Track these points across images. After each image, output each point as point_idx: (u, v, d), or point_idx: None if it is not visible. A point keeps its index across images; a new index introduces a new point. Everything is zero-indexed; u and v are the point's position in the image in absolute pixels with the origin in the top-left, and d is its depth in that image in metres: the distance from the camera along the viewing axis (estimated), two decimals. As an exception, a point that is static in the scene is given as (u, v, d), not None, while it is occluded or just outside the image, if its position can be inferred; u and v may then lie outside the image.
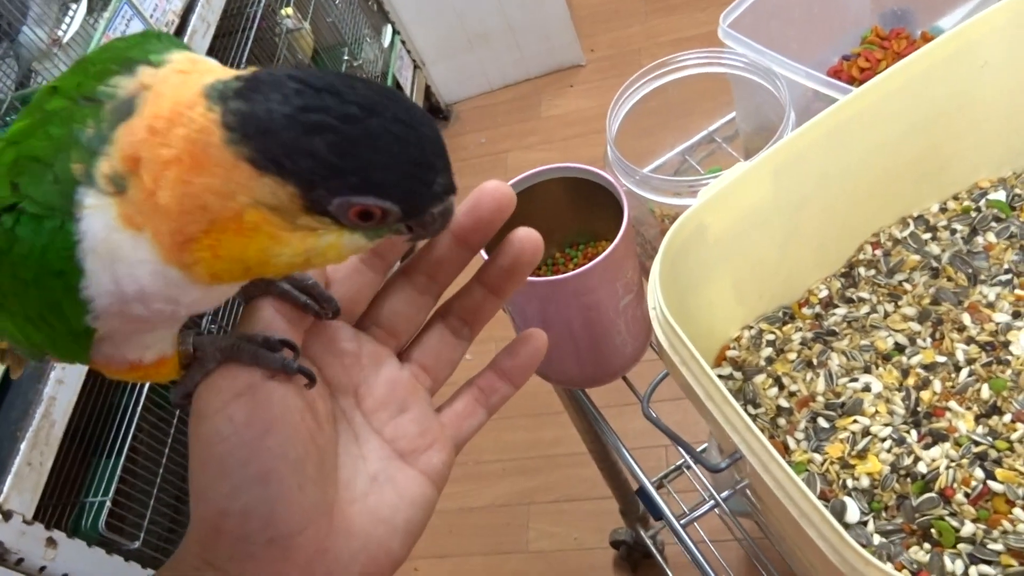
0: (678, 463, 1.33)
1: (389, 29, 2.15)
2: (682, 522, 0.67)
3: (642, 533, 1.34)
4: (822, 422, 0.57)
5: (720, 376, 0.61)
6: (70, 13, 1.16)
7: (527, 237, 0.38)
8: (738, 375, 0.61)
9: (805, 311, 0.63)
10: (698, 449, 1.26)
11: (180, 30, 1.32)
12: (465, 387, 0.41)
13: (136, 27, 1.20)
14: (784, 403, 0.59)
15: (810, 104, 0.72)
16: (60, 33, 1.12)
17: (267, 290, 0.36)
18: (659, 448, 1.63)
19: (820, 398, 0.58)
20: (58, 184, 0.29)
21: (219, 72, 0.31)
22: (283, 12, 1.67)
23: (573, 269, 0.78)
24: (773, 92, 0.67)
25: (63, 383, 1.00)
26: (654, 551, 1.31)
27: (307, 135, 0.28)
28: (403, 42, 2.21)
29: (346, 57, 1.91)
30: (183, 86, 0.29)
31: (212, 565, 0.33)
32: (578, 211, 0.74)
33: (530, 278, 0.64)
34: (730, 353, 0.62)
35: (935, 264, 0.62)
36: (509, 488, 1.73)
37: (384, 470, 0.37)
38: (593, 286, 0.65)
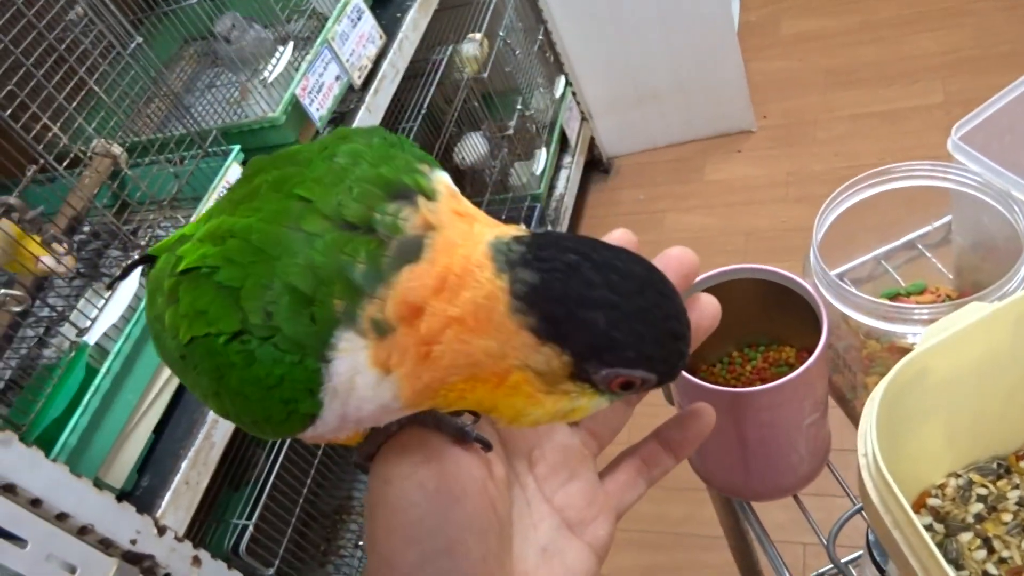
0: (822, 570, 1.23)
1: (562, 80, 2.17)
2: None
3: (774, 641, 1.25)
4: (1038, 600, 0.51)
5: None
6: (276, 54, 1.23)
7: (708, 301, 0.38)
8: (939, 527, 0.55)
9: (1023, 465, 0.56)
10: (850, 557, 1.17)
11: (371, 75, 1.37)
12: (627, 455, 0.41)
13: (333, 71, 1.26)
14: (993, 570, 0.52)
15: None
16: (266, 73, 1.18)
17: None
18: (796, 545, 1.53)
19: (1037, 571, 0.51)
20: (315, 324, 0.29)
21: (484, 217, 0.31)
22: (466, 60, 1.72)
23: (751, 372, 0.74)
24: (1004, 214, 0.60)
25: (226, 406, 1.04)
26: (786, 663, 1.21)
27: (590, 309, 0.29)
28: (574, 93, 2.22)
29: (519, 106, 1.94)
30: (469, 239, 0.30)
31: None
32: (763, 311, 0.69)
33: (713, 386, 0.60)
34: (931, 501, 0.56)
35: None
36: (631, 561, 1.67)
37: (554, 541, 0.37)
38: (780, 403, 0.61)
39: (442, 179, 0.33)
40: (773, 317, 0.70)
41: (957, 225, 0.71)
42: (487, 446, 0.35)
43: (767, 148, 2.23)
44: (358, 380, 0.29)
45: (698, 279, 0.65)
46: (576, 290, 0.29)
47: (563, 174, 2.16)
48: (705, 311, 0.38)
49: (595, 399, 0.31)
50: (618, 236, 0.37)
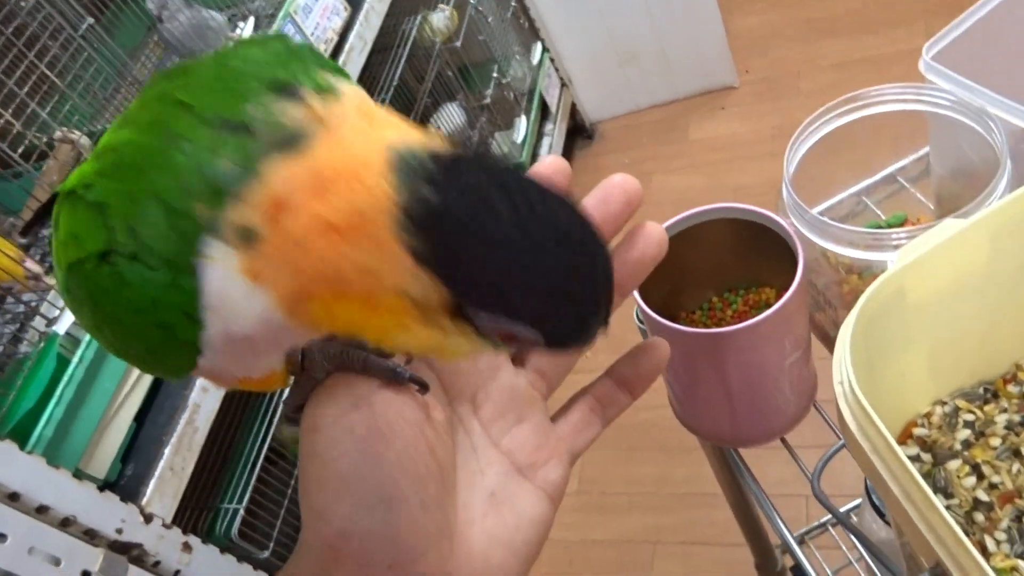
0: (823, 520, 1.23)
1: (539, 47, 2.14)
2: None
3: (779, 593, 1.24)
4: (1031, 524, 0.49)
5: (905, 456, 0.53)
6: (237, 30, 1.20)
7: (653, 229, 0.35)
8: (927, 457, 0.53)
9: (1011, 389, 0.55)
10: (850, 505, 1.16)
11: (338, 47, 1.34)
12: (580, 396, 0.39)
13: (297, 44, 1.23)
14: (983, 496, 0.51)
15: (1019, 143, 0.63)
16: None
17: None
18: (799, 497, 1.52)
19: (1029, 495, 0.50)
20: (180, 236, 0.26)
21: (398, 127, 0.28)
22: (436, 30, 1.68)
23: (732, 317, 0.72)
24: (982, 134, 0.58)
25: (208, 391, 1.02)
26: (792, 615, 1.21)
27: (486, 247, 0.25)
28: (552, 60, 2.19)
29: (495, 74, 1.91)
30: (367, 139, 0.26)
31: None
32: (740, 253, 0.68)
33: (687, 328, 0.59)
34: (918, 431, 0.54)
35: None
36: (635, 524, 1.66)
37: (503, 486, 0.35)
38: (759, 342, 0.59)
39: (351, 85, 0.30)
40: (751, 259, 0.68)
41: (935, 152, 0.69)
42: (423, 387, 0.33)
43: (751, 103, 2.20)
44: (231, 292, 0.27)
45: (668, 223, 0.63)
46: (478, 222, 0.25)
47: (545, 142, 2.13)
48: (650, 239, 0.36)
49: (476, 343, 0.28)
50: (549, 162, 0.35)
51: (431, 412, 0.34)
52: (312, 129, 0.26)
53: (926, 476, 0.53)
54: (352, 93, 0.29)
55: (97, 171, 0.28)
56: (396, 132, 0.27)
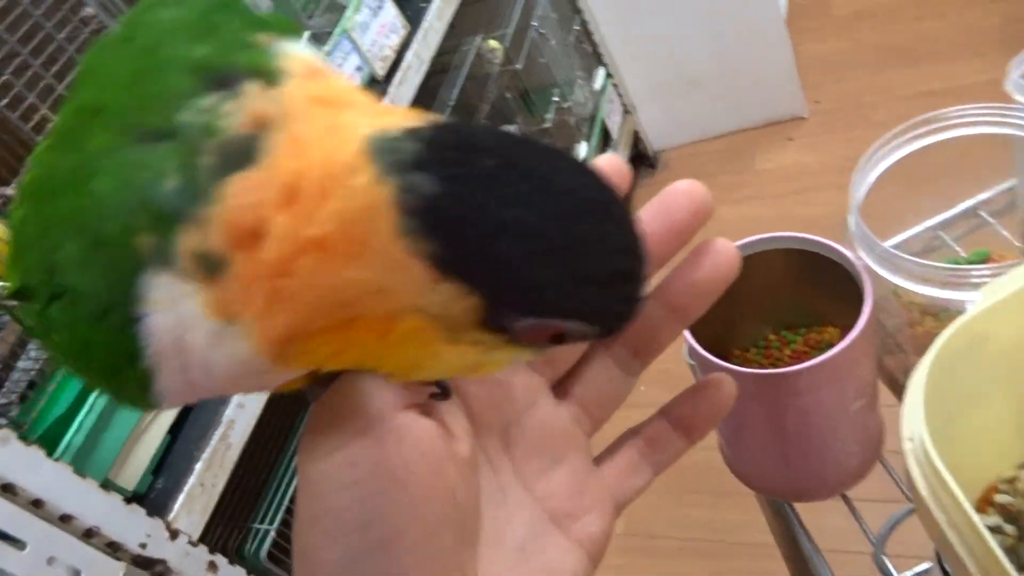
0: (888, 579, 1.14)
1: (602, 72, 2.10)
2: None
3: (836, 656, 1.16)
4: None
5: (985, 527, 0.47)
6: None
7: (724, 246, 0.30)
8: (1010, 529, 0.47)
9: (1110, 453, 0.48)
10: (919, 568, 1.07)
11: (395, 65, 1.33)
12: (628, 436, 0.33)
13: (354, 62, 1.22)
14: (1075, 577, 0.44)
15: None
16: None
17: None
18: (863, 556, 1.43)
19: None
20: (112, 271, 0.22)
21: (365, 103, 0.23)
22: (488, 44, 1.66)
23: (790, 356, 0.66)
24: (1079, 164, 0.52)
25: (244, 407, 1.00)
26: None
27: (508, 237, 0.21)
28: (615, 85, 2.15)
29: (556, 98, 1.88)
30: (334, 134, 0.22)
31: None
32: (800, 287, 0.62)
33: (741, 368, 0.54)
34: (999, 498, 0.48)
35: None
36: (685, 570, 1.59)
37: (534, 539, 0.30)
38: (819, 385, 0.53)
39: (296, 54, 0.25)
40: (813, 294, 0.63)
41: (1023, 181, 0.63)
42: (443, 390, 0.28)
43: (820, 134, 2.13)
44: (190, 339, 0.22)
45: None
46: (491, 208, 0.21)
47: (606, 169, 2.09)
48: (720, 257, 0.30)
49: (515, 352, 0.24)
50: (605, 160, 0.31)
51: (455, 445, 0.28)
52: (264, 136, 0.22)
53: (1008, 551, 0.46)
54: (298, 68, 0.24)
55: (22, 187, 0.24)
56: (362, 114, 0.23)
